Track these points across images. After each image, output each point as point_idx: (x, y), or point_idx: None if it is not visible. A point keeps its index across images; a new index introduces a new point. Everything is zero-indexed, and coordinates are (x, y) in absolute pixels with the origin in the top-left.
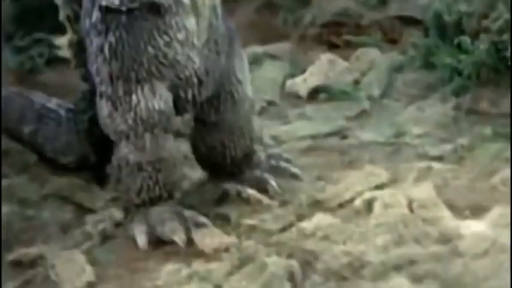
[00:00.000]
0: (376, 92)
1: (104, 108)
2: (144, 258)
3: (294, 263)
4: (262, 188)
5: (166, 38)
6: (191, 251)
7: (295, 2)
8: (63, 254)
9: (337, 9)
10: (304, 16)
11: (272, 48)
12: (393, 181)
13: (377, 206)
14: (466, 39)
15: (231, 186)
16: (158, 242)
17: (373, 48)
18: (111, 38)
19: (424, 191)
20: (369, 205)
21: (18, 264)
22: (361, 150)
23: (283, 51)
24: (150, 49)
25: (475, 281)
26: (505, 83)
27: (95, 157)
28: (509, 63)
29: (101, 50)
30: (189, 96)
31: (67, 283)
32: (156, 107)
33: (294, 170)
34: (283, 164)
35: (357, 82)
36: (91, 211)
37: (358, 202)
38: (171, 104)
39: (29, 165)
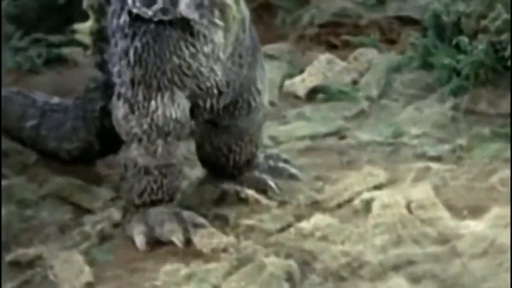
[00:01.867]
0: (374, 92)
1: (120, 109)
2: (142, 259)
3: (292, 263)
4: (261, 188)
5: (193, 50)
6: (189, 252)
7: (293, 2)
8: (62, 254)
9: (336, 10)
10: (302, 16)
11: (270, 48)
12: (391, 181)
13: (375, 206)
14: (464, 40)
15: (230, 187)
16: (156, 243)
17: (371, 49)
18: (138, 43)
19: (422, 191)
20: (368, 205)
21: (16, 264)
22: (359, 151)
23: (282, 51)
24: (175, 59)
25: (474, 281)
26: (503, 83)
27: (99, 146)
28: (508, 63)
29: (126, 53)
30: (207, 105)
31: (65, 283)
32: (173, 115)
33: (293, 170)
34: (281, 165)
35: (355, 82)
36: (89, 211)
37: (356, 202)
38: (187, 112)
39: (27, 166)
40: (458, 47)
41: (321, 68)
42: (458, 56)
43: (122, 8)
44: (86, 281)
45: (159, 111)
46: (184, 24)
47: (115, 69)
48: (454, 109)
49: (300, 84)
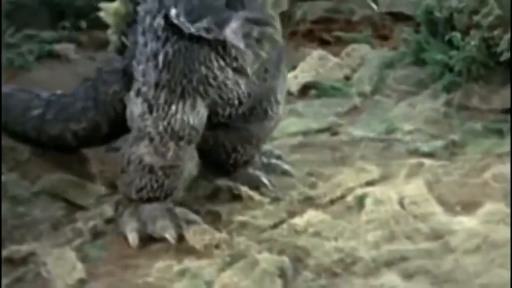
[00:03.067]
0: (367, 88)
1: (138, 106)
2: (135, 255)
3: (285, 260)
4: (254, 185)
5: (222, 63)
6: (182, 248)
7: None
8: (54, 251)
9: (328, 6)
10: (295, 13)
11: None
12: (384, 177)
13: (368, 202)
14: (457, 35)
15: (223, 183)
16: (149, 239)
17: (364, 45)
18: (169, 49)
19: (415, 187)
20: (360, 201)
21: (9, 261)
22: (352, 147)
23: None
24: (203, 69)
25: (467, 277)
26: (495, 79)
27: (107, 129)
28: (500, 59)
29: (155, 56)
30: (226, 113)
31: (58, 280)
32: (191, 122)
33: (285, 166)
34: (274, 161)
35: (347, 78)
36: (82, 208)
37: (349, 198)
38: (204, 120)
39: (20, 163)
40: (450, 43)
41: (314, 64)
42: (451, 52)
43: (159, 11)
44: (78, 278)
45: (178, 116)
46: (221, 42)
47: (140, 68)
48: (446, 105)
49: (293, 80)
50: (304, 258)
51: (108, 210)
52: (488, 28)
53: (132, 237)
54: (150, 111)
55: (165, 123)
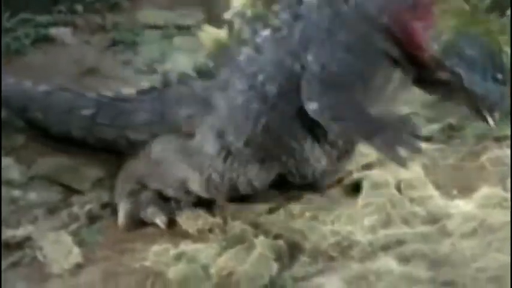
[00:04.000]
0: None
1: (213, 146)
2: (131, 239)
3: (281, 244)
4: None
5: (314, 143)
6: (178, 232)
7: None
8: (51, 235)
9: None
10: None
11: None
12: (381, 161)
13: (365, 186)
14: None
15: None
16: (145, 223)
17: None
18: (273, 115)
19: (412, 171)
20: (357, 185)
21: (5, 246)
22: None
23: None
24: (293, 143)
25: (463, 261)
26: None
27: None
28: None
29: (257, 117)
30: (294, 180)
31: (54, 264)
32: (256, 184)
33: None
34: None
35: None
36: (78, 192)
37: (346, 182)
38: (267, 183)
39: (15, 148)
40: None
41: None
42: None
43: (276, 75)
44: (75, 262)
45: (247, 178)
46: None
47: (235, 115)
48: None
49: None
50: (301, 242)
51: (104, 194)
52: (485, 12)
53: (122, 217)
54: (224, 160)
55: (233, 175)
